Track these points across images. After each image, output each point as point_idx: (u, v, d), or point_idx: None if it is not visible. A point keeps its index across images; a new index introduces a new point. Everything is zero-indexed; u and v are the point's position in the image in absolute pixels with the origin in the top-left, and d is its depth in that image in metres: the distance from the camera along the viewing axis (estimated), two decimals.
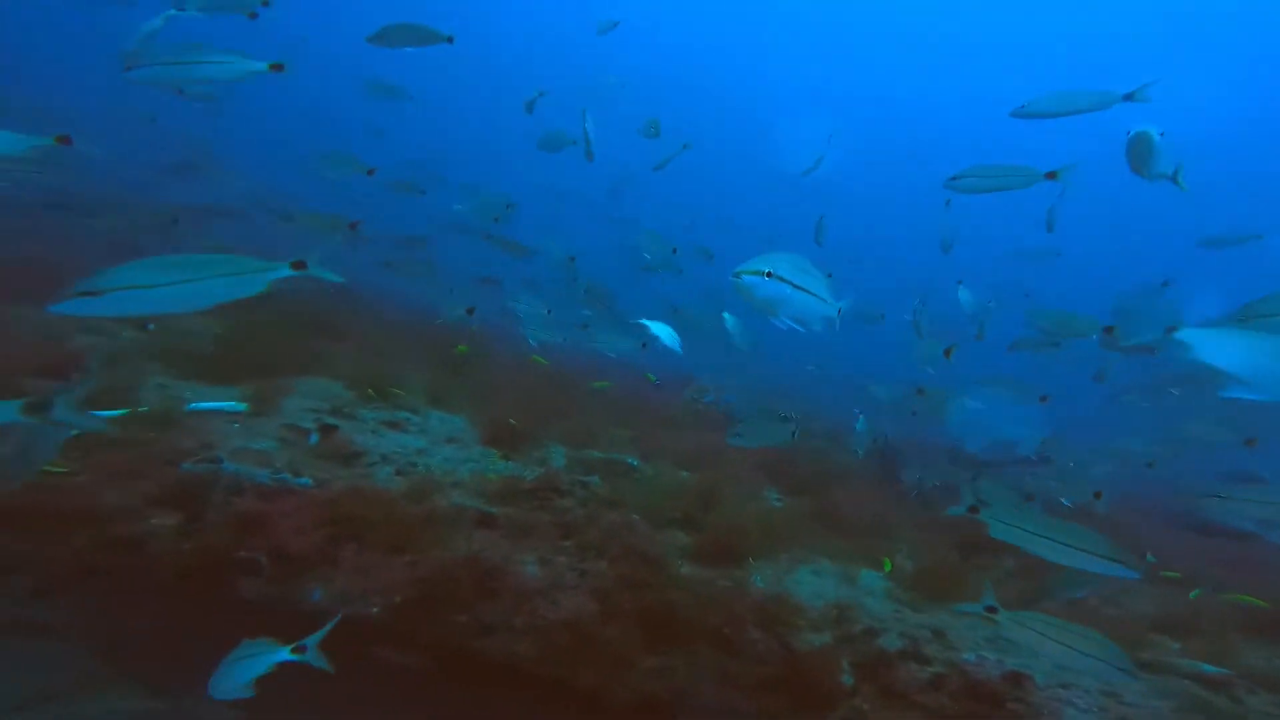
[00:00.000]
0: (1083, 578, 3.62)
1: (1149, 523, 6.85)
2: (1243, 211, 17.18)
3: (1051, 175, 4.39)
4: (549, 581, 3.70)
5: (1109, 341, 4.48)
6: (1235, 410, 5.96)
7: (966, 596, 4.46)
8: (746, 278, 2.69)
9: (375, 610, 3.49)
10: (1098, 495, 4.95)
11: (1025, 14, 28.75)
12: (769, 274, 2.69)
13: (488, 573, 3.66)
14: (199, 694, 2.66)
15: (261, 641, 2.68)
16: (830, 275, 2.97)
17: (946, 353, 5.37)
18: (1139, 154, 4.20)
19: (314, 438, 4.46)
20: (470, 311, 6.09)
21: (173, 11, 4.26)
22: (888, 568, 4.71)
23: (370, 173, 5.97)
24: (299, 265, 2.43)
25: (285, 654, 2.67)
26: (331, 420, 4.78)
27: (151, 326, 5.69)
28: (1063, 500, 5.53)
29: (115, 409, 4.13)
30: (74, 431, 2.95)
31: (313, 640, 2.71)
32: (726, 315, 5.69)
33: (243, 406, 4.61)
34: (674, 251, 6.16)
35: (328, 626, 2.77)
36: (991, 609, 2.95)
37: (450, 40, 5.05)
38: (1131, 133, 4.20)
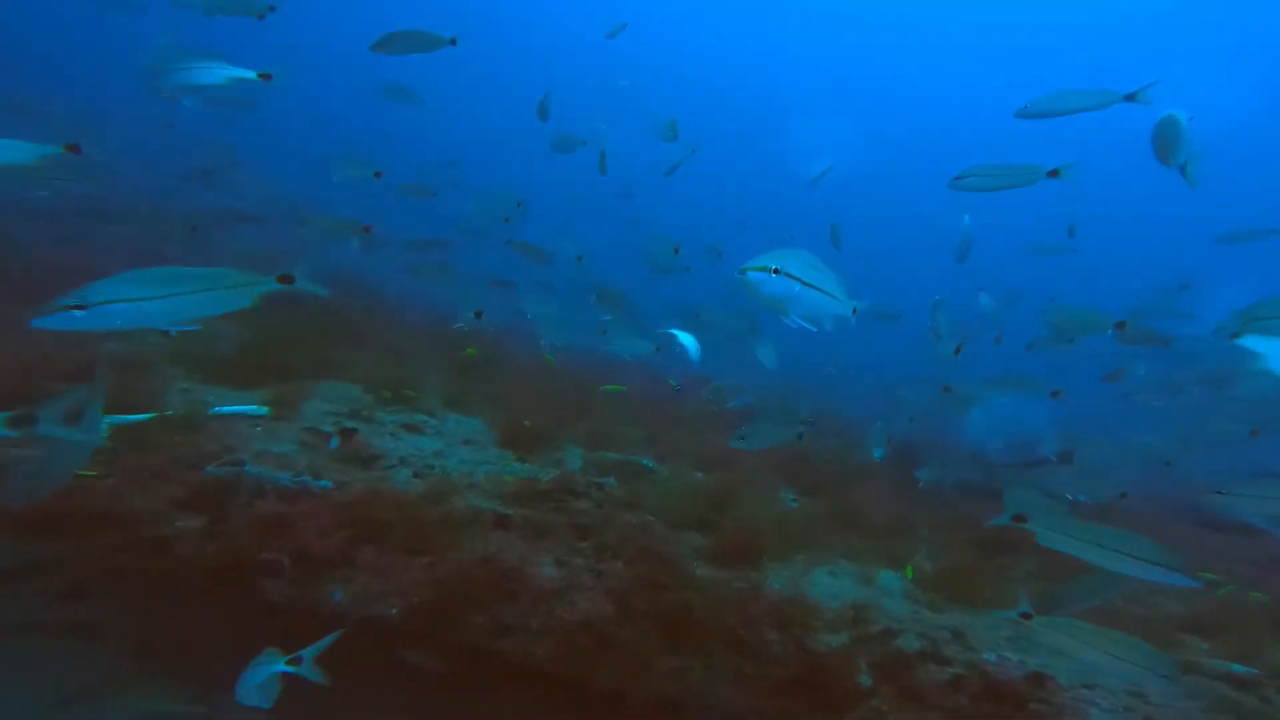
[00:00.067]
0: (1113, 582, 3.54)
1: (1165, 520, 6.75)
2: (1261, 207, 16.85)
3: (1054, 173, 4.34)
4: (566, 583, 3.71)
5: (1124, 337, 4.42)
6: (1247, 408, 5.87)
7: (986, 597, 4.42)
8: (752, 274, 2.61)
9: (394, 611, 3.52)
10: (1123, 496, 4.89)
11: (1045, 13, 28.45)
12: (775, 270, 2.61)
13: (505, 574, 3.68)
14: (227, 696, 2.72)
15: (273, 651, 2.72)
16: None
17: (956, 351, 5.34)
18: (1165, 139, 4.12)
19: (334, 442, 4.52)
20: (479, 315, 6.07)
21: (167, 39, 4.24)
22: (910, 575, 4.64)
23: (377, 175, 5.97)
24: (285, 279, 2.43)
25: (280, 666, 2.68)
26: (350, 423, 4.84)
27: (174, 332, 5.78)
28: (1080, 496, 5.44)
29: (141, 413, 4.22)
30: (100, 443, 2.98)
31: (309, 653, 2.72)
32: (756, 344, 5.66)
33: (265, 410, 4.68)
34: (675, 252, 6.14)
35: (326, 640, 2.78)
36: (1026, 615, 2.91)
37: (453, 42, 5.03)
38: (1160, 117, 4.13)
